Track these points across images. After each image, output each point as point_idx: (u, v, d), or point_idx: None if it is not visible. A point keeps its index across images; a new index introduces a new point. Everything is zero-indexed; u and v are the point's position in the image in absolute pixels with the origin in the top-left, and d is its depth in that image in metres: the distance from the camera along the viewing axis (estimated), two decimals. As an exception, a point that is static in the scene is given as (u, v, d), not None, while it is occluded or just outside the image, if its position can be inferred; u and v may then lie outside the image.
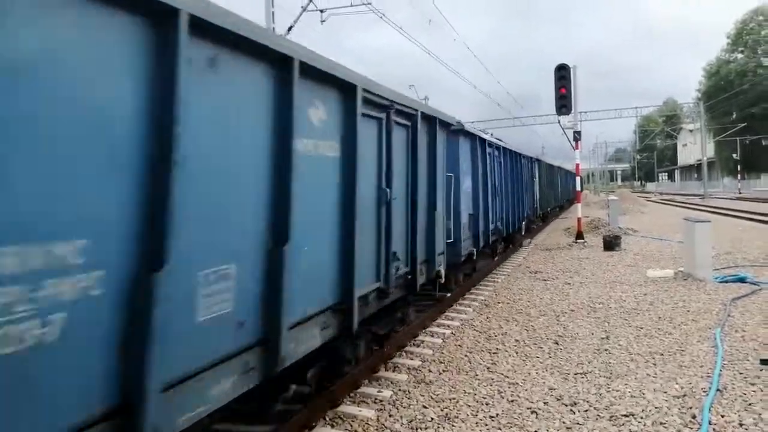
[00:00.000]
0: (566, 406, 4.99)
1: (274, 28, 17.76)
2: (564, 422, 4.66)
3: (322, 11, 18.95)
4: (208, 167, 2.82)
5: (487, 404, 5.11)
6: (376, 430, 4.68)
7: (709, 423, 4.48)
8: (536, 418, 4.78)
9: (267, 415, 4.27)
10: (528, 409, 4.96)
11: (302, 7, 18.31)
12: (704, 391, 5.12)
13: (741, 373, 5.54)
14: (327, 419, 4.84)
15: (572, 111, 17.65)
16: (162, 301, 2.39)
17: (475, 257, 10.40)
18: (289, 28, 18.33)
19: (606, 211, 25.16)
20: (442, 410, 5.00)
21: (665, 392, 5.16)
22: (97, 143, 2.21)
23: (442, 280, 7.26)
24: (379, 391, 5.42)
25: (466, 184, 9.68)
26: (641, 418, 4.65)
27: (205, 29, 2.71)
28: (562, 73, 17.23)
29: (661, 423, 4.54)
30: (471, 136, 10.03)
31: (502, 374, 5.88)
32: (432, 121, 6.82)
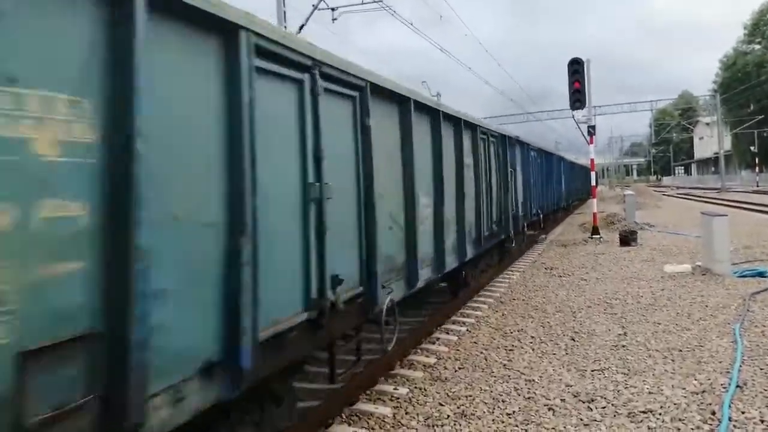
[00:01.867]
0: (583, 402, 4.97)
1: (285, 27, 17.83)
2: (581, 419, 4.64)
3: (333, 9, 18.98)
4: None
5: (503, 401, 5.10)
6: (393, 427, 4.69)
7: (729, 419, 4.43)
8: (553, 415, 4.77)
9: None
10: (545, 405, 4.95)
11: (313, 5, 18.34)
12: (724, 387, 5.06)
13: (761, 369, 5.47)
14: (344, 416, 4.86)
15: (586, 105, 17.51)
16: None
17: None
18: (301, 27, 18.37)
19: (622, 206, 24.97)
20: (458, 407, 5.00)
21: (684, 388, 5.12)
22: None
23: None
24: (395, 389, 5.43)
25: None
26: (660, 414, 4.61)
27: None
28: (576, 68, 17.09)
29: (680, 419, 4.50)
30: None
31: (519, 371, 5.86)
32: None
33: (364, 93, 4.87)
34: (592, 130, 18.28)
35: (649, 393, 5.07)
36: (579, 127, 19.28)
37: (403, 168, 5.87)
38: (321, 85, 4.05)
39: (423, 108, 6.49)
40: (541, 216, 16.68)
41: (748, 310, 7.64)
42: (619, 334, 6.97)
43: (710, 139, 75.22)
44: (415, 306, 8.30)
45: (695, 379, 5.32)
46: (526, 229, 13.74)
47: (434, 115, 6.88)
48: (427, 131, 6.74)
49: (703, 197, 41.08)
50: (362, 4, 18.61)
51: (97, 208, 2.26)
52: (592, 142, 18.37)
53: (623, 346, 6.52)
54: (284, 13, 18.48)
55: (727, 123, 63.67)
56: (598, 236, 17.05)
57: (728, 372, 5.44)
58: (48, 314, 2.06)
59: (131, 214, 2.32)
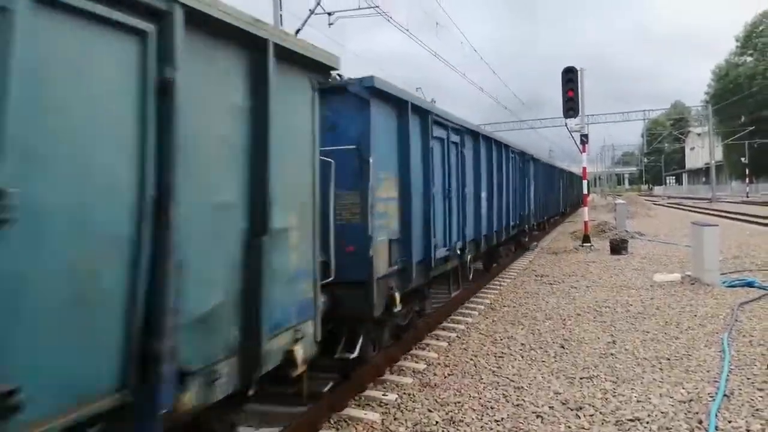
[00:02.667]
0: (572, 410, 4.97)
1: (281, 31, 17.83)
2: (569, 427, 4.64)
3: (329, 14, 19.01)
4: None
5: (492, 408, 5.10)
6: (381, 433, 4.67)
7: (716, 428, 4.45)
8: (541, 422, 4.77)
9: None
10: (533, 413, 4.95)
11: (310, 10, 18.37)
12: (711, 397, 5.09)
13: (748, 379, 5.50)
14: (332, 422, 4.84)
15: (579, 114, 17.61)
16: None
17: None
18: (297, 31, 18.38)
19: (613, 215, 25.09)
20: (447, 414, 4.99)
21: (671, 397, 5.14)
22: None
23: None
24: (384, 395, 5.42)
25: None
26: (647, 422, 4.62)
27: None
28: (570, 76, 17.20)
29: (667, 428, 4.51)
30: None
31: (508, 378, 5.86)
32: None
33: None
34: (585, 139, 18.37)
35: (637, 401, 5.09)
36: (572, 136, 19.37)
37: None
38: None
39: None
40: (469, 257, 9.14)
41: (736, 320, 7.69)
42: (609, 342, 7.00)
43: (701, 149, 75.82)
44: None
45: (683, 388, 5.34)
46: (397, 308, 5.96)
47: None
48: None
49: (694, 207, 41.33)
50: (359, 9, 18.64)
51: None
52: (585, 151, 18.46)
53: (612, 354, 6.54)
54: (280, 16, 18.51)
55: (718, 134, 64.14)
56: (589, 244, 17.12)
57: (716, 381, 5.46)
58: None
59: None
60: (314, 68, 4.08)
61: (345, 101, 5.41)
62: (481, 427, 4.71)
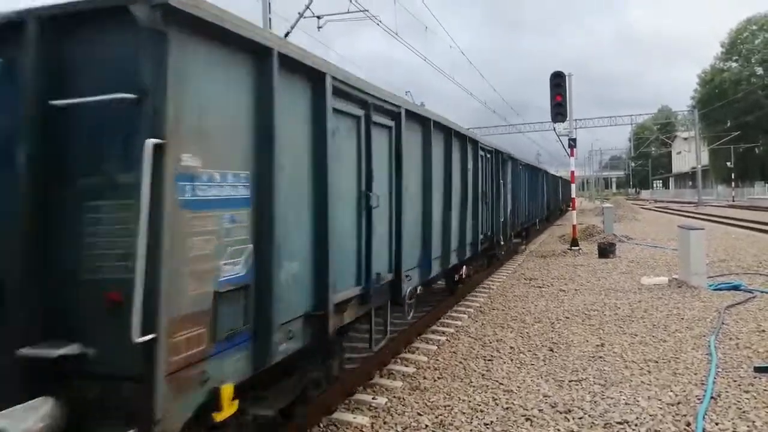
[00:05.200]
0: (561, 413, 4.99)
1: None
2: (559, 429, 4.65)
3: (318, 18, 18.98)
4: None
5: (481, 411, 5.10)
6: (371, 437, 4.66)
7: (703, 430, 4.49)
8: (531, 425, 4.78)
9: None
10: (523, 416, 4.96)
11: (299, 13, 18.35)
12: (698, 399, 5.12)
13: (735, 381, 5.55)
14: (321, 426, 4.82)
15: (567, 118, 17.72)
16: None
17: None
18: (286, 34, 18.35)
19: (601, 218, 25.23)
20: (436, 417, 4.99)
21: (660, 400, 5.17)
22: None
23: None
24: (373, 398, 5.40)
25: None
26: (636, 425, 4.65)
27: None
28: (558, 81, 17.28)
29: (655, 430, 4.54)
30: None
31: (497, 381, 5.87)
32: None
33: None
34: (573, 143, 18.48)
35: (626, 404, 5.11)
36: (560, 140, 19.50)
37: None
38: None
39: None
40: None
41: (723, 323, 7.76)
42: (597, 345, 7.03)
43: (688, 153, 76.50)
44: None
45: (671, 391, 5.38)
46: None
47: None
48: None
49: (681, 211, 41.69)
50: (348, 12, 18.63)
51: None
52: (573, 155, 18.58)
53: (600, 357, 6.57)
54: (269, 20, 18.47)
55: (704, 138, 64.80)
56: (577, 248, 17.21)
57: (703, 384, 5.51)
58: None
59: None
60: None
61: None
62: (471, 430, 4.71)
